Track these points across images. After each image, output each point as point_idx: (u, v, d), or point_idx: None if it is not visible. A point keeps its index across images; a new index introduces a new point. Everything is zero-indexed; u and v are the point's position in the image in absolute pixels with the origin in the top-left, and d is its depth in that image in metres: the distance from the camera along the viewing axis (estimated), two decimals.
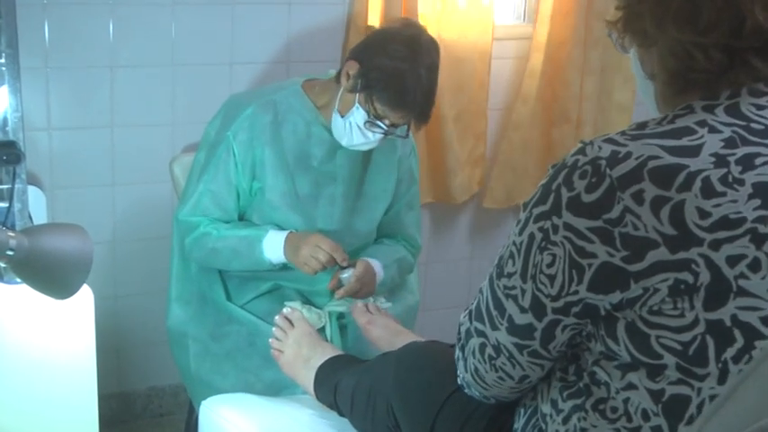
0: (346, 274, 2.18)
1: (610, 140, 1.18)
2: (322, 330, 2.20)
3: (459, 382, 1.47)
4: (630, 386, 1.23)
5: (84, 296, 1.90)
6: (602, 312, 1.21)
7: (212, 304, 2.30)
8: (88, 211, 2.71)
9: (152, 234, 2.79)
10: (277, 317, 2.14)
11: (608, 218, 1.14)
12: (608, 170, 1.15)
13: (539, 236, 1.21)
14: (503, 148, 3.17)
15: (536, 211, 1.22)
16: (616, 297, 1.18)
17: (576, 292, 1.20)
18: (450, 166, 3.05)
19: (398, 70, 2.05)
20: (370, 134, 2.14)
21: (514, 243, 1.26)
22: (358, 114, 2.12)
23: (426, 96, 2.09)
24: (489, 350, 1.34)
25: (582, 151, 1.19)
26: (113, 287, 2.82)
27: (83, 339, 1.95)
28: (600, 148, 1.17)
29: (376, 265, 2.27)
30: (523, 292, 1.25)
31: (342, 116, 2.15)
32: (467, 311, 1.40)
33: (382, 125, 2.12)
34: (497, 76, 3.13)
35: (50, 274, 1.46)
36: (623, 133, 1.20)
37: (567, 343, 1.29)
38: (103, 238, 2.75)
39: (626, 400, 1.23)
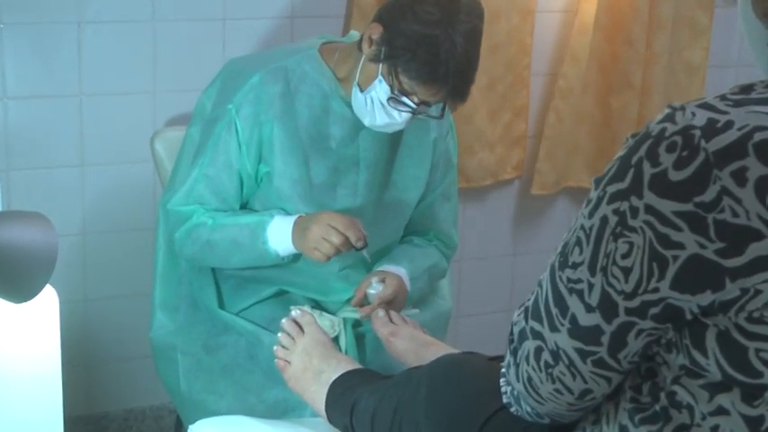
0: (374, 290, 2.21)
1: (706, 106, 1.16)
2: (335, 340, 2.21)
3: (505, 400, 1.46)
4: (721, 410, 1.21)
5: (48, 299, 1.91)
6: (689, 317, 1.19)
7: (205, 310, 2.31)
8: (52, 196, 2.73)
9: (129, 225, 2.82)
10: (284, 320, 2.15)
11: (700, 201, 1.12)
12: (703, 142, 1.13)
13: (613, 219, 1.19)
14: (549, 122, 3.15)
15: (611, 189, 1.20)
16: (706, 298, 1.16)
17: (657, 290, 1.18)
18: (467, 142, 3.03)
19: (429, 37, 2.04)
20: (395, 113, 2.13)
21: (583, 227, 1.24)
22: (380, 89, 2.12)
23: (463, 69, 2.08)
24: (546, 356, 1.33)
25: (670, 118, 1.17)
26: (83, 289, 2.84)
27: (46, 350, 1.96)
28: (693, 114, 1.15)
29: (404, 276, 2.28)
30: (591, 286, 1.23)
31: (362, 90, 2.15)
32: (522, 308, 1.39)
33: (410, 103, 2.11)
34: (542, 33, 3.10)
35: (6, 273, 1.48)
36: (723, 98, 1.17)
37: (640, 353, 1.27)
38: (71, 229, 2.76)
39: (714, 428, 1.22)
